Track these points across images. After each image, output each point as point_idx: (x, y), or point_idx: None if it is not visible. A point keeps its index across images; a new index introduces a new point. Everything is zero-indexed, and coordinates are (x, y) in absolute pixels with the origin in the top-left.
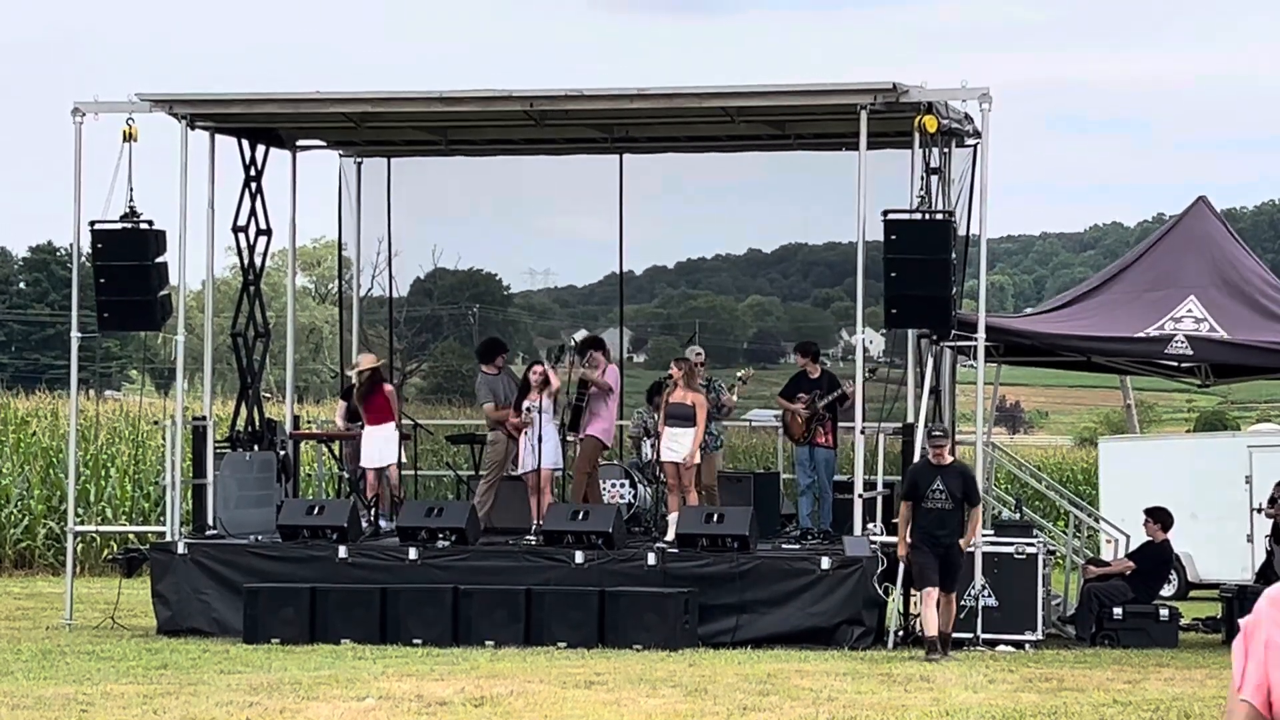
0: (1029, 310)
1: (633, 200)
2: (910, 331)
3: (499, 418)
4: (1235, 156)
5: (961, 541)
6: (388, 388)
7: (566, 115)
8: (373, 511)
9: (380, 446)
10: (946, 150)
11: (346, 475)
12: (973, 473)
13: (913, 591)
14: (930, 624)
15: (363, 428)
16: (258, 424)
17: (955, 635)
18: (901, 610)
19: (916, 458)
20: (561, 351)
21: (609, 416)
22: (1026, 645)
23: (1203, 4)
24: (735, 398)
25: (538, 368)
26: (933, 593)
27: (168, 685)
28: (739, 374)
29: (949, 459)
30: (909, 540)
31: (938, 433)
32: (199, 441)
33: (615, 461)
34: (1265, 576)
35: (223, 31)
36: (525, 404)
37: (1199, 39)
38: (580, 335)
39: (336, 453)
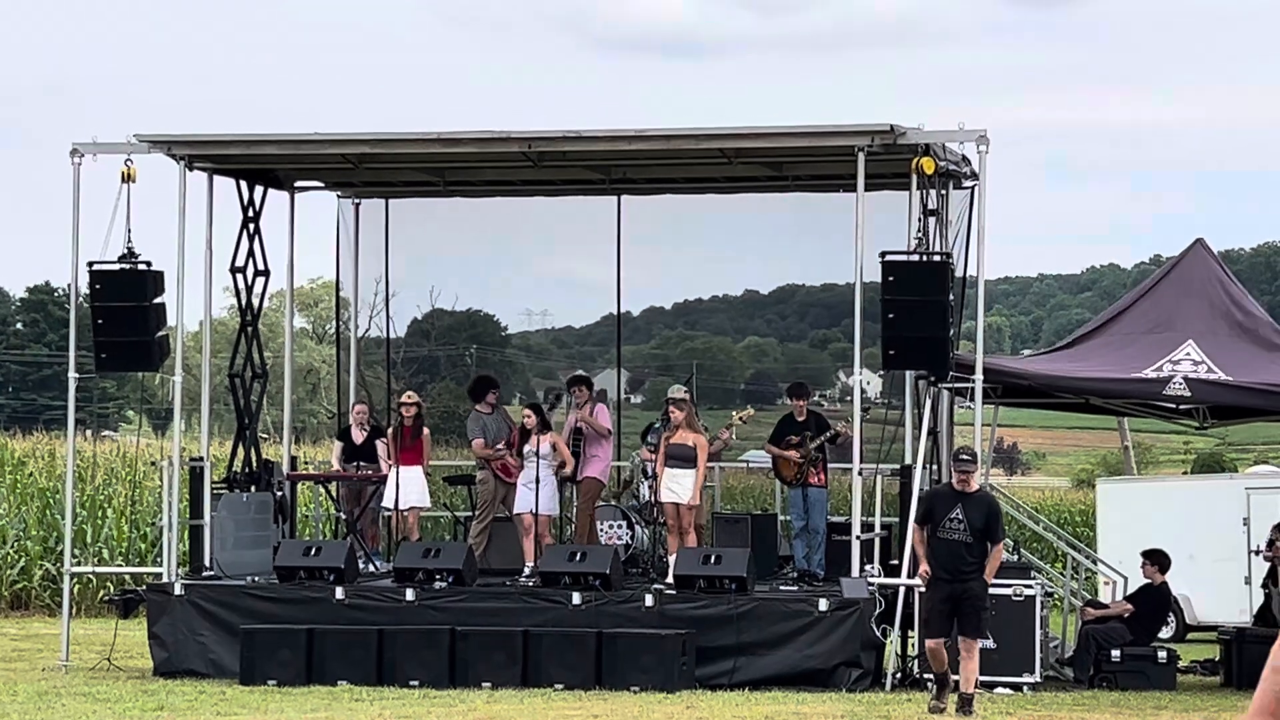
0: (1027, 352)
1: (630, 241)
2: (908, 373)
3: (486, 455)
4: (1232, 199)
5: (985, 574)
6: (426, 430)
7: (564, 156)
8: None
9: (418, 487)
10: (944, 192)
11: (344, 517)
12: (999, 506)
13: (911, 633)
14: (939, 660)
15: (373, 465)
16: (255, 465)
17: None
18: (899, 652)
19: (915, 497)
20: (557, 398)
21: (605, 457)
22: (1024, 688)
23: (1201, 49)
24: (733, 435)
25: (527, 413)
26: (941, 642)
27: None
28: (737, 413)
29: (974, 487)
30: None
31: (966, 456)
32: (196, 482)
33: (613, 503)
34: (1263, 618)
35: (221, 73)
36: (526, 449)
37: (1197, 83)
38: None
39: (334, 494)
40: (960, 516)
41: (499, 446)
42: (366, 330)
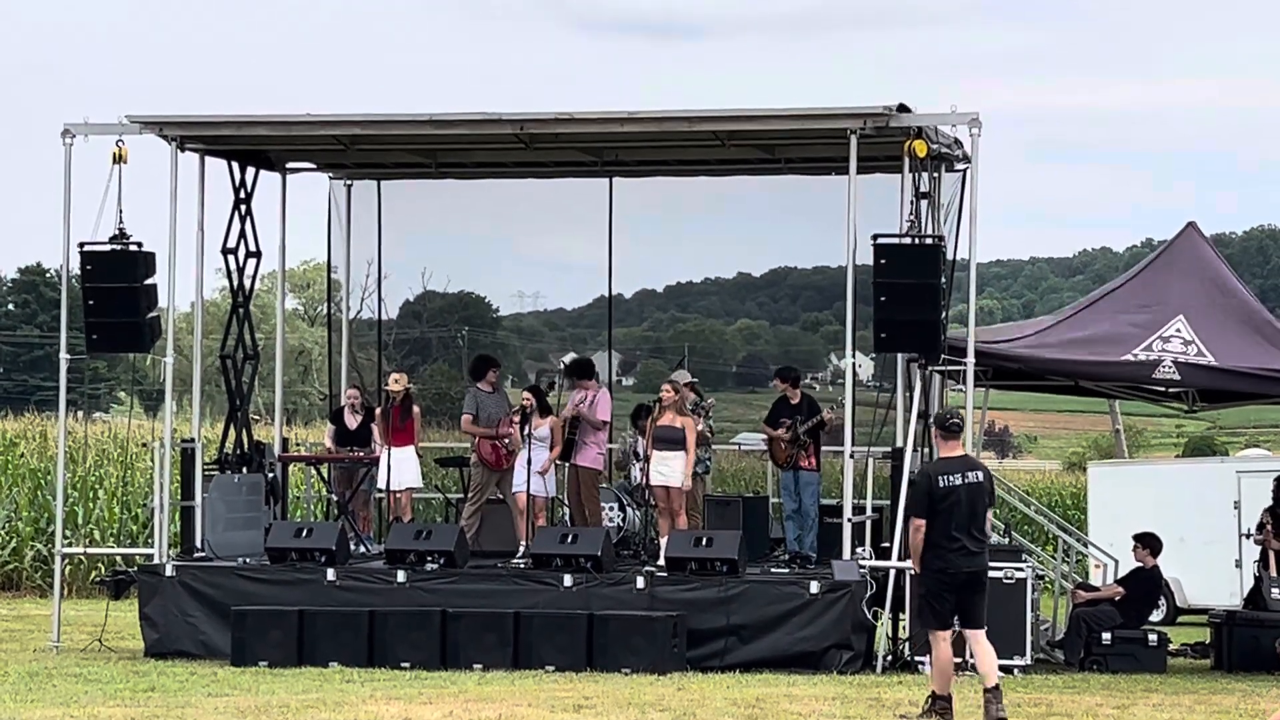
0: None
1: (622, 223)
2: (899, 355)
3: (473, 431)
4: (1224, 183)
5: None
6: (416, 409)
7: (556, 138)
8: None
9: (410, 468)
10: (936, 175)
11: (335, 498)
12: (919, 473)
13: (903, 615)
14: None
15: (366, 449)
16: (246, 446)
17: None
18: (890, 635)
19: (905, 484)
20: (550, 385)
21: (597, 445)
22: (1015, 670)
23: (1193, 34)
24: (711, 424)
25: (527, 396)
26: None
27: (155, 708)
28: (702, 404)
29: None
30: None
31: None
32: (187, 463)
33: (605, 485)
34: (1254, 602)
35: (212, 60)
36: (526, 430)
37: (1190, 67)
38: (569, 358)
39: (325, 475)
40: None
41: (501, 429)
42: (358, 312)
